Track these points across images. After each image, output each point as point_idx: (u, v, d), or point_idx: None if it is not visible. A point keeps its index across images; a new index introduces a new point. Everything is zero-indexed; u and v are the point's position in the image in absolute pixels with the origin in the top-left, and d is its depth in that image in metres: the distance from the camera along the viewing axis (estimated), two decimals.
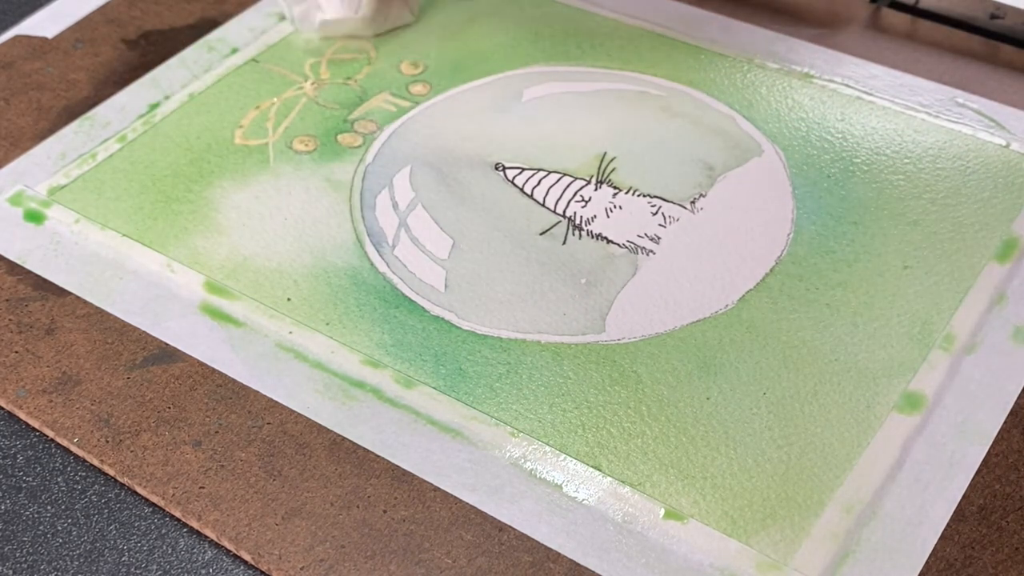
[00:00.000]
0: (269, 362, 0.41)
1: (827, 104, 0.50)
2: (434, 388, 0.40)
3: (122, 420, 0.40)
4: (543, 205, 0.46)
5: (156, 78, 0.54)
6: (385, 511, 0.37)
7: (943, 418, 0.38)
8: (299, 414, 0.40)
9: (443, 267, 0.44)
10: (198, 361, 0.41)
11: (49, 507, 0.38)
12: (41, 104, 0.53)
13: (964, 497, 0.36)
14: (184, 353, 0.42)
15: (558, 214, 0.46)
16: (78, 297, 0.44)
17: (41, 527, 0.38)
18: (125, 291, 0.44)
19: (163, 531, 0.37)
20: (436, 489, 0.37)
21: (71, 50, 0.56)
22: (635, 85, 0.52)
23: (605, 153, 0.48)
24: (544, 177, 0.47)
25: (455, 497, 0.37)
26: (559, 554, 0.35)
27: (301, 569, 0.35)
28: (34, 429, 0.40)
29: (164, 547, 0.37)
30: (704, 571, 0.35)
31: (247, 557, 0.36)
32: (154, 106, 0.52)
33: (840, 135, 0.49)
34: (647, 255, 0.44)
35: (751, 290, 0.43)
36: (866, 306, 0.42)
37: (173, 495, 0.38)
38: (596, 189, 0.47)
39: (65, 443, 0.39)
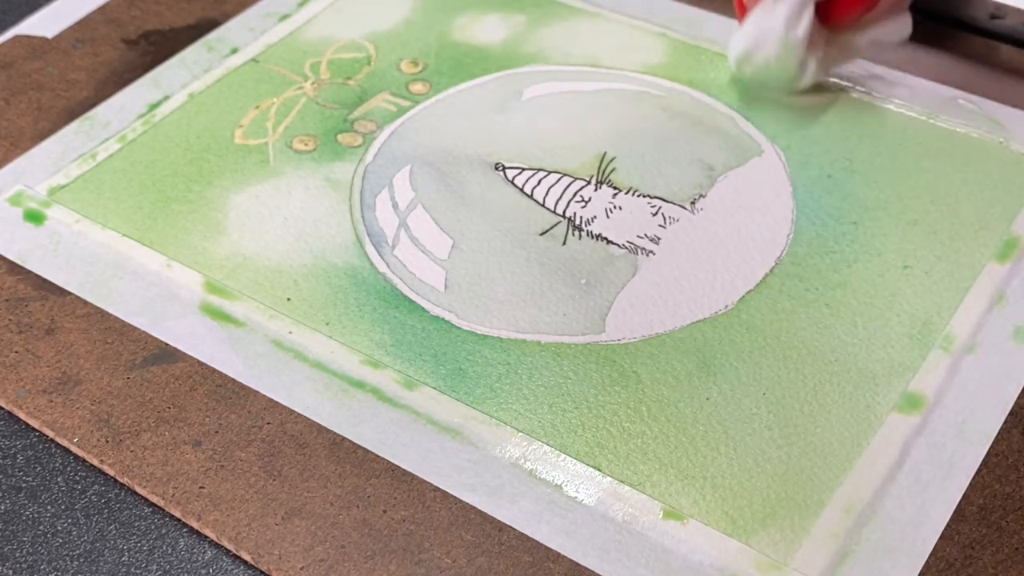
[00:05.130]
0: (269, 362, 0.41)
1: (827, 104, 0.50)
2: (434, 388, 0.40)
3: (122, 420, 0.40)
4: (543, 205, 0.46)
5: (156, 78, 0.53)
6: (385, 511, 0.37)
7: (943, 418, 0.38)
8: (299, 414, 0.40)
9: (443, 267, 0.44)
10: (198, 361, 0.41)
11: (49, 507, 0.38)
12: (41, 104, 0.53)
13: (964, 497, 0.36)
14: (184, 353, 0.42)
15: (558, 214, 0.46)
16: (78, 297, 0.44)
17: (41, 527, 0.38)
18: (125, 291, 0.44)
19: (163, 531, 0.37)
20: (436, 489, 0.37)
21: (71, 50, 0.56)
22: (635, 85, 0.52)
23: (605, 153, 0.48)
24: (544, 177, 0.47)
25: (455, 497, 0.37)
26: (559, 554, 0.35)
27: (301, 569, 0.35)
28: (34, 429, 0.40)
29: (164, 547, 0.37)
30: (704, 571, 0.35)
31: (247, 557, 0.36)
32: (154, 106, 0.52)
33: (840, 135, 0.49)
34: (647, 255, 0.44)
35: (751, 290, 0.43)
36: (866, 306, 0.42)
37: (173, 495, 0.38)
38: (596, 189, 0.47)
39: (65, 443, 0.39)
